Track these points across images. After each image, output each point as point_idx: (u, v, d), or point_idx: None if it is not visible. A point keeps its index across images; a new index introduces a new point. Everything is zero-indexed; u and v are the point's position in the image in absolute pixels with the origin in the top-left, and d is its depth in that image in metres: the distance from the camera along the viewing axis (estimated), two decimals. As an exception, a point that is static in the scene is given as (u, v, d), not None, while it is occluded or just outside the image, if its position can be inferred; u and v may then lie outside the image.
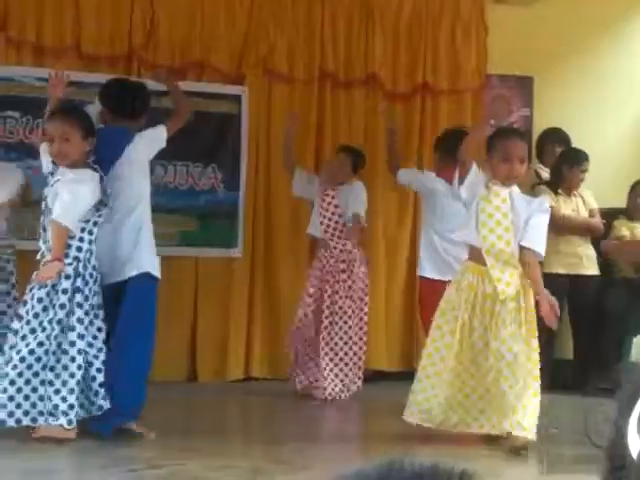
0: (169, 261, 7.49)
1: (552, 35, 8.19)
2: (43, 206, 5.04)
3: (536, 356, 5.03)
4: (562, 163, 7.58)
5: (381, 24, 8.01)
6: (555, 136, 8.07)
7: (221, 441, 5.14)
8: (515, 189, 5.23)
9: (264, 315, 7.69)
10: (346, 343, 6.74)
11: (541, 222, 5.15)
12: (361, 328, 6.84)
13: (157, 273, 5.36)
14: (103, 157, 5.23)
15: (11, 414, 4.70)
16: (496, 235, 5.13)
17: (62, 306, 4.80)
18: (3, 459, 4.55)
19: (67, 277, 4.84)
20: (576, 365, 7.48)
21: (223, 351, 7.57)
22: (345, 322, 6.75)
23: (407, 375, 6.48)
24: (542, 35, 8.16)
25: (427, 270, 6.52)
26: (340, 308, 6.75)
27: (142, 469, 4.40)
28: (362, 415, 6.64)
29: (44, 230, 4.99)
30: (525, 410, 4.89)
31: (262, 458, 4.72)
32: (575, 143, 7.91)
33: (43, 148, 5.19)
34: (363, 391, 6.82)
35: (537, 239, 5.12)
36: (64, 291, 4.82)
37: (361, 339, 6.84)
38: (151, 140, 5.51)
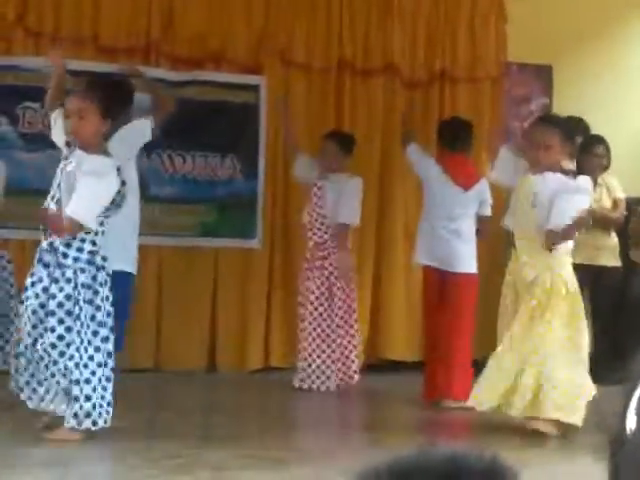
0: (188, 252, 7.52)
1: (571, 24, 8.13)
2: (55, 186, 4.81)
3: (559, 338, 5.13)
4: (579, 152, 7.52)
5: (399, 12, 7.98)
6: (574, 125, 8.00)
7: (240, 431, 5.15)
8: (549, 175, 5.21)
9: (283, 305, 7.69)
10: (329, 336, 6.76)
11: (564, 202, 5.12)
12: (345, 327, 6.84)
13: (128, 268, 5.40)
14: None
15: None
16: (525, 220, 5.26)
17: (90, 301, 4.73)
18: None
19: (82, 270, 4.74)
20: (595, 355, 7.44)
21: (242, 341, 7.58)
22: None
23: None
24: (561, 24, 8.11)
25: (421, 257, 6.54)
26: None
27: (161, 458, 4.41)
28: (381, 404, 6.63)
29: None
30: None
31: (281, 447, 4.72)
32: (594, 132, 7.85)
33: (58, 125, 5.05)
34: (381, 381, 6.81)
35: (556, 219, 5.14)
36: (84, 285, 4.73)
37: (346, 335, 6.84)
38: (122, 139, 5.33)
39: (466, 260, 6.42)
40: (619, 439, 1.18)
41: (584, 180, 5.43)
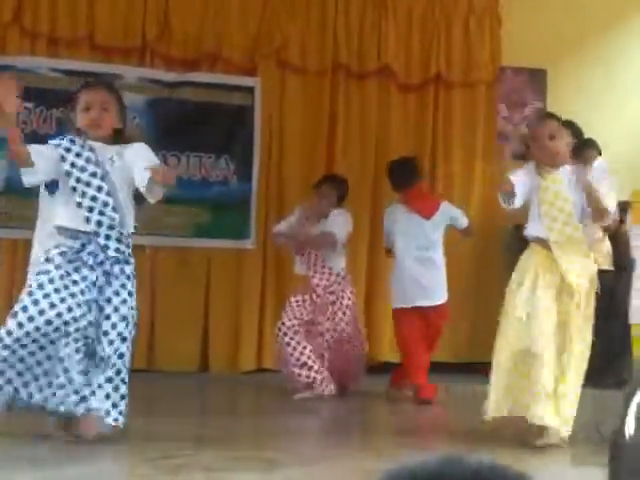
0: (181, 252, 7.53)
1: (566, 28, 8.17)
2: (91, 190, 4.49)
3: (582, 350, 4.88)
4: (572, 156, 7.52)
5: (394, 15, 8.00)
6: (567, 129, 8.01)
7: (233, 432, 5.15)
8: (566, 168, 5.10)
9: (276, 306, 7.69)
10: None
11: (602, 187, 4.97)
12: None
13: None
14: None
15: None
16: (561, 222, 4.94)
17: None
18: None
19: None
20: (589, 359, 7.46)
21: (235, 342, 7.59)
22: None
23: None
24: (556, 28, 8.14)
25: (396, 300, 6.63)
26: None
27: (155, 459, 4.41)
28: (376, 406, 6.64)
29: (91, 211, 4.51)
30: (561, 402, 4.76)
31: (275, 449, 4.72)
32: (587, 135, 7.87)
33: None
34: (379, 383, 6.82)
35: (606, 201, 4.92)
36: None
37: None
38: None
39: (443, 289, 6.59)
40: (618, 444, 1.19)
41: (602, 163, 5.33)
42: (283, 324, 6.45)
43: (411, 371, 6.49)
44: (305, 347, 6.41)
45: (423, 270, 6.50)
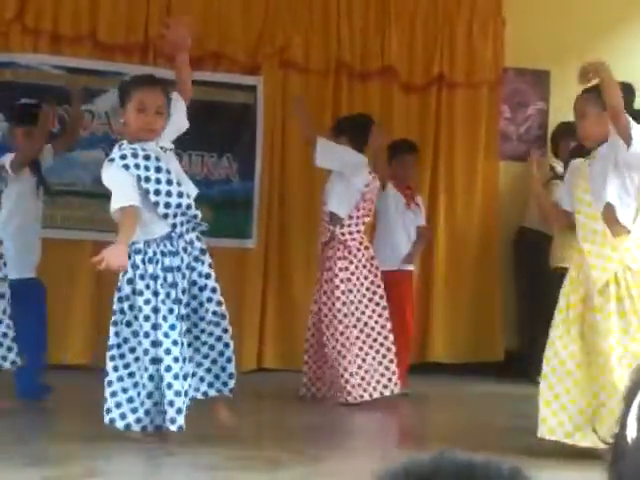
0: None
1: (569, 29, 8.15)
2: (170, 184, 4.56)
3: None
4: (571, 157, 7.51)
5: (397, 15, 7.99)
6: (569, 130, 8.00)
7: (234, 431, 5.13)
8: (602, 149, 4.67)
9: (277, 306, 7.69)
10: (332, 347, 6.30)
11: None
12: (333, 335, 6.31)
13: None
14: None
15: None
16: (584, 216, 4.62)
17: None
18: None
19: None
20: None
21: (236, 342, 7.50)
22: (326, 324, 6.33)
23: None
24: (559, 29, 8.13)
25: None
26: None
27: (156, 457, 4.41)
28: (377, 407, 6.63)
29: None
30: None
31: (277, 449, 4.72)
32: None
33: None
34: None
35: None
36: None
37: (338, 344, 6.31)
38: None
39: None
40: (620, 447, 1.17)
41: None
42: None
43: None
44: None
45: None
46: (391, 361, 6.24)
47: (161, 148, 4.60)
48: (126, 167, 4.45)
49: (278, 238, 7.72)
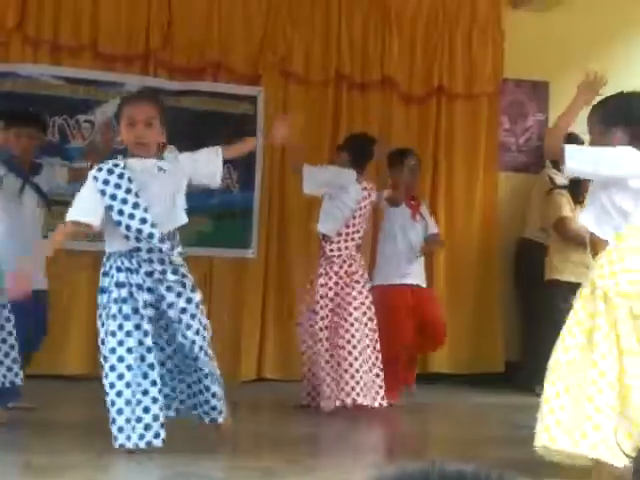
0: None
1: (568, 40, 8.17)
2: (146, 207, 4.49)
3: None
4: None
5: (398, 27, 8.01)
6: (568, 141, 8.00)
7: (231, 441, 5.13)
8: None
9: (277, 316, 7.69)
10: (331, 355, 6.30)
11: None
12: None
13: None
14: None
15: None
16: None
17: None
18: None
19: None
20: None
21: (236, 352, 7.57)
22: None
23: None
24: (558, 40, 8.15)
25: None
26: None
27: (154, 468, 4.40)
28: (375, 416, 6.62)
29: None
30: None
31: (273, 459, 4.71)
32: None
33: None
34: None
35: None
36: None
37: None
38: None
39: None
40: None
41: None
42: None
43: None
44: None
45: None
46: (377, 375, 6.24)
47: (159, 168, 4.59)
48: (95, 179, 4.46)
49: (278, 248, 7.73)
